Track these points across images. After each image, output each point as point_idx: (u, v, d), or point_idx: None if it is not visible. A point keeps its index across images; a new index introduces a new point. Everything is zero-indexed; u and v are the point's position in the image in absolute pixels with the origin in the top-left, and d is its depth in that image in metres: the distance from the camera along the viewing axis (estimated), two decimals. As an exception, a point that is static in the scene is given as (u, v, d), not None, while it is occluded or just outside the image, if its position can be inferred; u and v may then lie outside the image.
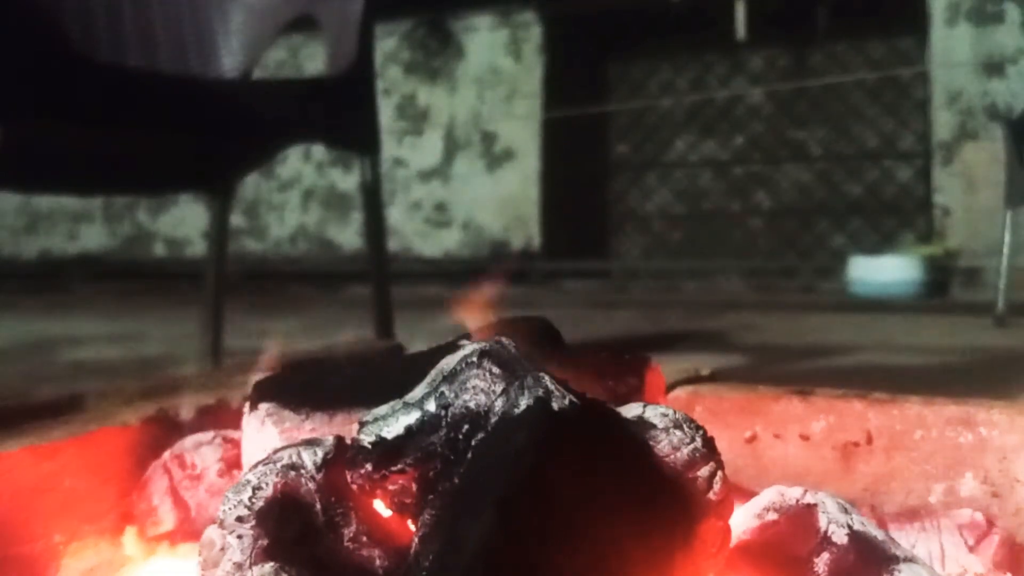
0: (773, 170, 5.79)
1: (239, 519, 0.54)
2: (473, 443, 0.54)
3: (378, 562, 0.55)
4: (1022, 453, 0.79)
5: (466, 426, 0.54)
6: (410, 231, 6.08)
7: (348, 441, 0.58)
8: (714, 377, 1.01)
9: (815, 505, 0.62)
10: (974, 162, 4.86)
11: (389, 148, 5.81)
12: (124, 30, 1.74)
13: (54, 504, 0.76)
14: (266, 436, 0.70)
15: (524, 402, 0.53)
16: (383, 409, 0.57)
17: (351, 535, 0.55)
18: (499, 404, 0.54)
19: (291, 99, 1.62)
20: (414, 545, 0.52)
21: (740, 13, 5.15)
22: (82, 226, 7.02)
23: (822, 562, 0.59)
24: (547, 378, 0.54)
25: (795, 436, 0.89)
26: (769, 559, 0.61)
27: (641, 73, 6.08)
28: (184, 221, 6.52)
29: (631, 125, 6.12)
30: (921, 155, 5.31)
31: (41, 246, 7.11)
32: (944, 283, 4.82)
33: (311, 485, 0.56)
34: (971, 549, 0.74)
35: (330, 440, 0.58)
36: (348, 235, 6.21)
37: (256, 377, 0.75)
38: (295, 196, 6.45)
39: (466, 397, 0.55)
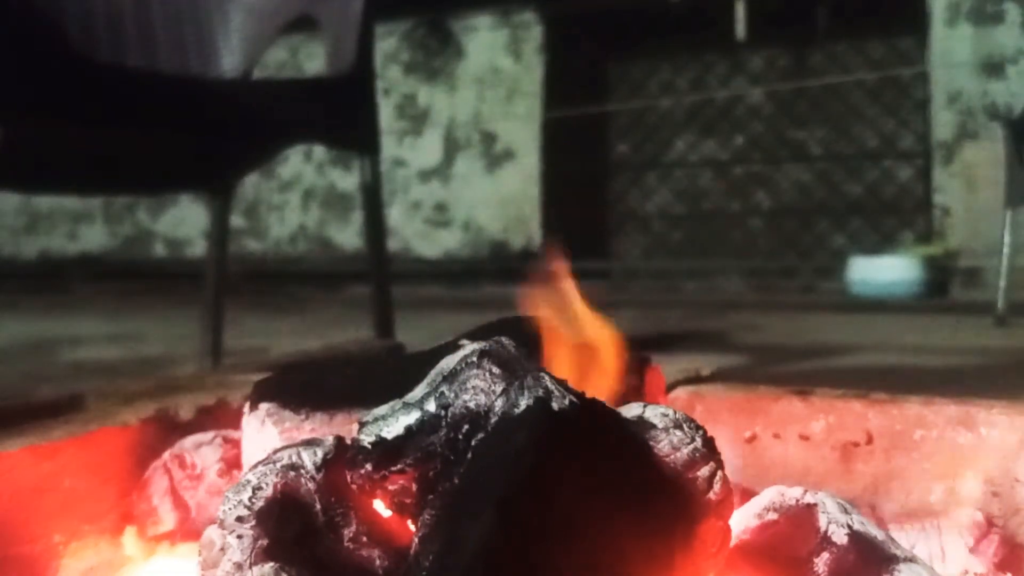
0: (773, 170, 5.79)
1: (239, 519, 0.54)
2: (473, 443, 0.54)
3: (378, 562, 0.55)
4: (1022, 453, 0.79)
5: (466, 426, 0.54)
6: (410, 231, 6.08)
7: (348, 441, 0.58)
8: (714, 377, 1.01)
9: (815, 505, 0.62)
10: (974, 162, 4.86)
11: (389, 148, 5.81)
12: (124, 30, 1.74)
13: (54, 504, 0.76)
14: (266, 436, 0.70)
15: (524, 402, 0.53)
16: (383, 409, 0.57)
17: (351, 535, 0.55)
18: (499, 404, 0.54)
19: (291, 99, 1.62)
20: (414, 545, 0.52)
21: (740, 13, 5.15)
22: (82, 226, 7.02)
23: (822, 562, 0.59)
24: (547, 378, 0.54)
25: (795, 436, 0.89)
26: (769, 559, 0.61)
27: (641, 73, 6.08)
28: (184, 221, 6.52)
29: (631, 125, 6.12)
30: (921, 155, 5.31)
31: (41, 246, 7.11)
32: (944, 283, 4.82)
33: (311, 485, 0.56)
34: (971, 549, 0.74)
35: (330, 440, 0.58)
36: (348, 235, 6.21)
37: (256, 377, 0.75)
38: (295, 196, 6.45)
39: (466, 397, 0.55)
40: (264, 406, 0.71)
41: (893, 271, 4.73)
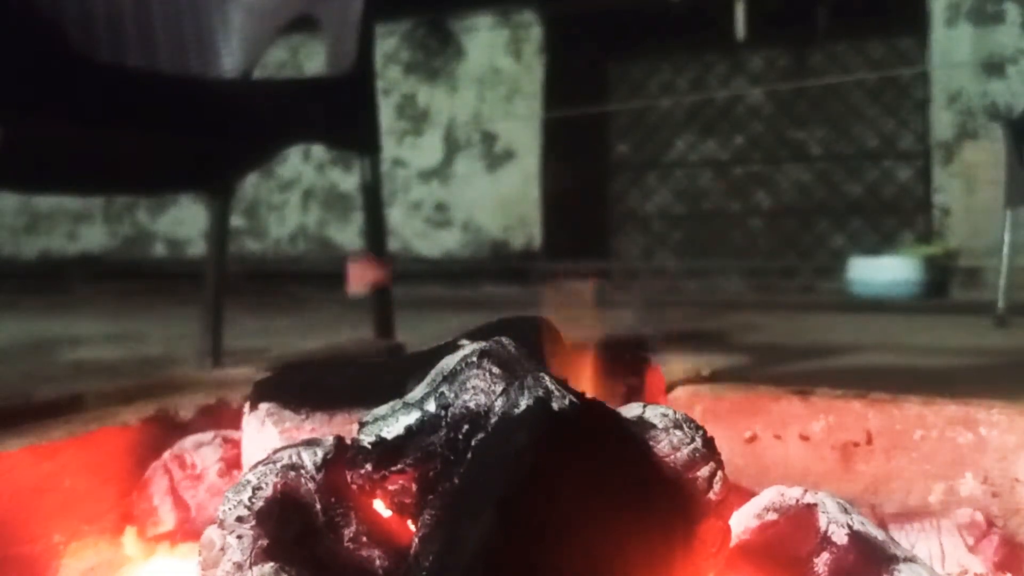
0: (773, 170, 5.79)
1: (239, 519, 0.54)
2: (473, 443, 0.54)
3: (378, 562, 0.55)
4: (1022, 453, 0.79)
5: (466, 426, 0.54)
6: (410, 231, 6.08)
7: (348, 441, 0.58)
8: (714, 377, 1.01)
9: (815, 505, 0.62)
10: (974, 162, 4.86)
11: (389, 148, 5.81)
12: (124, 30, 1.74)
13: (54, 504, 0.76)
14: (266, 436, 0.70)
15: (524, 402, 0.53)
16: (383, 409, 0.57)
17: (351, 535, 0.55)
18: (499, 404, 0.54)
19: (291, 99, 1.62)
20: (414, 545, 0.52)
21: (740, 13, 5.15)
22: (82, 226, 7.03)
23: (822, 562, 0.59)
24: (547, 378, 0.54)
25: (795, 436, 0.89)
26: (769, 559, 0.61)
27: (641, 73, 6.08)
28: (184, 221, 6.51)
29: (631, 125, 6.12)
30: (921, 155, 5.31)
31: (41, 246, 7.11)
32: (944, 283, 4.82)
33: (311, 485, 0.56)
34: (971, 549, 0.74)
35: (330, 440, 0.58)
36: (348, 235, 6.21)
37: (256, 377, 0.75)
38: (295, 196, 6.45)
39: (466, 397, 0.55)
40: (264, 406, 0.71)
41: (893, 271, 4.73)
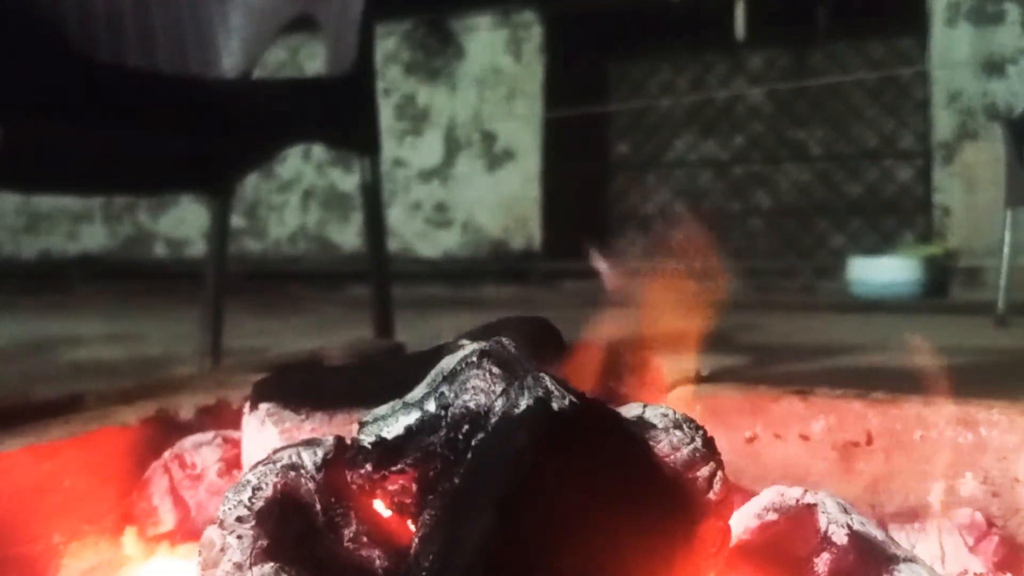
0: (773, 170, 5.79)
1: (239, 519, 0.54)
2: (473, 443, 0.54)
3: (378, 562, 0.55)
4: (1022, 453, 0.79)
5: (466, 426, 0.54)
6: (410, 231, 6.08)
7: (348, 441, 0.58)
8: (714, 377, 1.01)
9: (815, 505, 0.62)
10: (974, 162, 4.86)
11: (389, 148, 5.81)
12: (124, 30, 1.74)
13: (54, 504, 0.76)
14: (266, 436, 0.70)
15: (524, 402, 0.53)
16: (383, 409, 0.57)
17: (351, 535, 0.55)
18: (499, 404, 0.54)
19: (291, 99, 1.62)
20: (414, 545, 0.52)
21: (740, 13, 5.15)
22: (82, 226, 7.03)
23: (822, 562, 0.59)
24: (547, 378, 0.54)
25: (795, 436, 0.89)
26: (769, 559, 0.61)
27: (641, 73, 6.08)
28: (184, 221, 6.51)
29: (631, 125, 6.12)
30: (921, 155, 5.31)
31: (41, 246, 7.11)
32: (944, 283, 4.82)
33: (311, 485, 0.56)
34: (971, 549, 0.74)
35: (330, 440, 0.58)
36: (348, 235, 6.21)
37: (256, 377, 0.75)
38: (295, 196, 6.45)
39: (466, 397, 0.55)
40: (264, 406, 0.71)
41: (893, 271, 4.73)
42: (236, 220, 5.75)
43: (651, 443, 0.56)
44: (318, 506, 0.55)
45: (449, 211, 6.09)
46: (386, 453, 0.55)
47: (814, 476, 0.86)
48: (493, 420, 0.54)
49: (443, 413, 0.55)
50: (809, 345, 2.95)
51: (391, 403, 0.57)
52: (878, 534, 0.61)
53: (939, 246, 4.88)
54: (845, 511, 0.61)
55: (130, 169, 1.72)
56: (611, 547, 0.50)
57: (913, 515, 0.78)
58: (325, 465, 0.57)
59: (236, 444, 0.79)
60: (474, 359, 0.57)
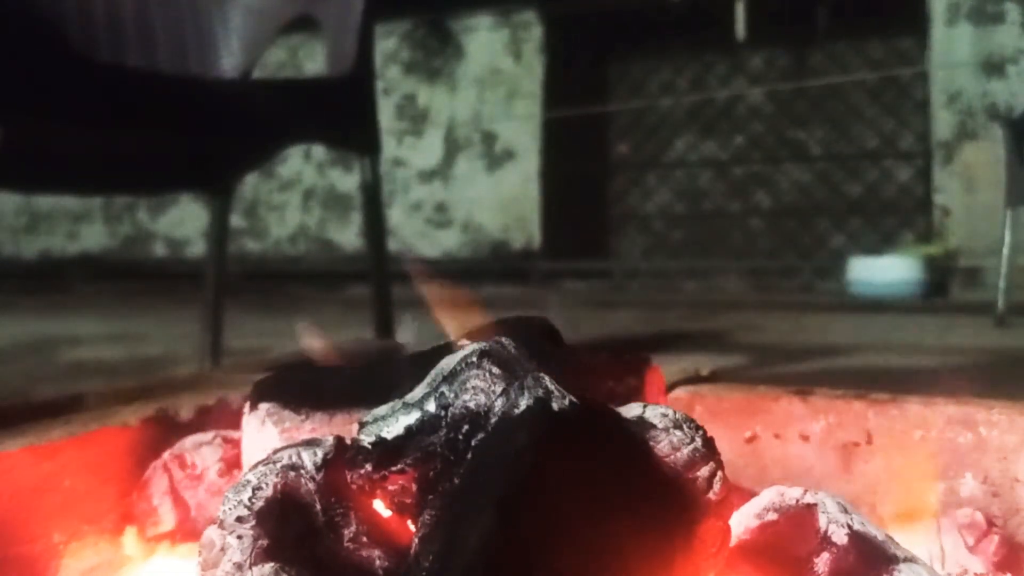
0: (773, 170, 5.79)
1: (239, 519, 0.54)
2: (473, 443, 0.54)
3: (378, 562, 0.55)
4: (1022, 453, 0.79)
5: (466, 426, 0.54)
6: (410, 231, 6.08)
7: (348, 441, 0.58)
8: (714, 377, 1.01)
9: (815, 505, 0.62)
10: (974, 162, 4.86)
11: (389, 148, 5.81)
12: (124, 30, 1.74)
13: (54, 504, 0.76)
14: (266, 436, 0.70)
15: (524, 402, 0.53)
16: (383, 409, 0.57)
17: (351, 535, 0.55)
18: (499, 404, 0.54)
19: (291, 99, 1.62)
20: (414, 545, 0.52)
21: (740, 13, 5.15)
22: (82, 226, 7.03)
23: (822, 562, 0.59)
24: (547, 378, 0.54)
25: (795, 436, 0.89)
26: (769, 559, 0.61)
27: (641, 73, 6.08)
28: (184, 221, 6.52)
29: (631, 125, 6.12)
30: (921, 155, 5.31)
31: (41, 246, 7.11)
32: (944, 283, 4.82)
33: (311, 485, 0.56)
34: (971, 549, 0.74)
35: (330, 440, 0.58)
36: (348, 235, 6.21)
37: (256, 377, 0.75)
38: (295, 196, 6.45)
39: (466, 397, 0.55)
40: (264, 406, 0.71)
41: (893, 271, 4.73)
42: (236, 220, 5.75)
43: (651, 443, 0.56)
44: (318, 506, 0.55)
45: (449, 211, 6.09)
46: (386, 453, 0.55)
47: (814, 476, 0.86)
48: (493, 420, 0.54)
49: (443, 413, 0.55)
50: (809, 345, 2.96)
51: (391, 403, 0.57)
52: (878, 534, 0.61)
53: (939, 246, 4.88)
54: (845, 511, 0.61)
55: (130, 169, 1.72)
56: (611, 547, 0.50)
57: (913, 515, 0.78)
58: (325, 465, 0.56)
59: (236, 444, 0.79)
60: (474, 359, 0.57)
